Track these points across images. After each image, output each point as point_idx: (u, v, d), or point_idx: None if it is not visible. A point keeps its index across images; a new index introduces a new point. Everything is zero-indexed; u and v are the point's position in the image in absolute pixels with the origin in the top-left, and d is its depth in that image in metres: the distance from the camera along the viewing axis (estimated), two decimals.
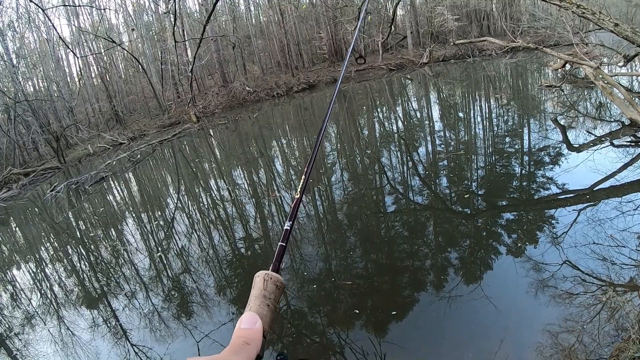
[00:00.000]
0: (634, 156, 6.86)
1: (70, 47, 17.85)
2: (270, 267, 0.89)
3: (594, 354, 3.22)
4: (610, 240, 4.62)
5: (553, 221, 5.46)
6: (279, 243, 0.96)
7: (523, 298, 4.06)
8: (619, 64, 11.17)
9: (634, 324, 3.18)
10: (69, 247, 9.23)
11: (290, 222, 1.01)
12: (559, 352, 3.31)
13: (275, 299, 0.84)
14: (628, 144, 7.39)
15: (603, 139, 8.02)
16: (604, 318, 3.55)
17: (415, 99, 18.19)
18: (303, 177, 1.15)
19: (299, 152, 12.79)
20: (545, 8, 23.82)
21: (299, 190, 1.11)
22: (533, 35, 21.44)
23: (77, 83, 29.95)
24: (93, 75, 30.94)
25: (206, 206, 9.70)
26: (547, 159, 7.67)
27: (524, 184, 6.99)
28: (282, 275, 0.97)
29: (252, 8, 34.87)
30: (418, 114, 14.65)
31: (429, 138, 11.04)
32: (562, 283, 4.11)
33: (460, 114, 12.89)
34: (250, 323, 0.77)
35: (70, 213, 11.60)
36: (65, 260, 8.51)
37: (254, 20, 34.55)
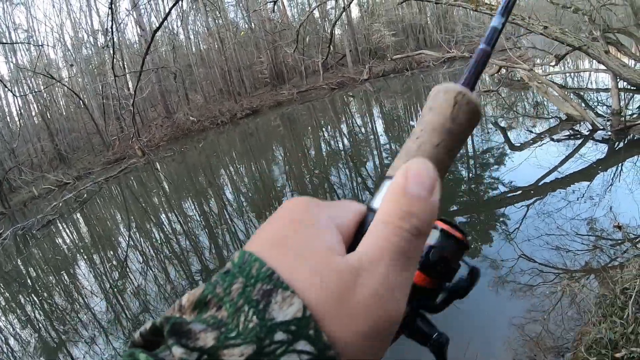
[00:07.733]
0: (573, 148, 7.22)
1: (8, 86, 17.00)
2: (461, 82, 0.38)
3: (561, 339, 3.27)
4: (561, 229, 4.78)
5: (504, 219, 5.61)
6: None
7: (485, 296, 4.10)
8: (551, 64, 11.79)
9: (591, 307, 3.26)
10: (20, 296, 8.59)
11: None
12: (527, 342, 3.34)
13: (461, 142, 0.38)
14: (567, 137, 7.77)
15: (543, 135, 8.39)
16: (565, 304, 3.62)
17: (358, 115, 18.48)
18: None
19: (248, 179, 12.58)
20: (477, 17, 25.03)
21: None
22: (468, 44, 22.36)
23: (17, 123, 28.43)
24: (33, 114, 29.47)
25: (159, 241, 9.31)
26: (491, 160, 7.93)
27: (473, 186, 7.17)
28: None
29: (191, 37, 34.34)
30: (363, 130, 14.85)
31: (375, 152, 11.18)
32: (520, 277, 4.19)
33: (405, 126, 13.20)
34: (423, 186, 0.32)
35: (19, 260, 10.82)
36: (18, 310, 7.90)
37: (194, 49, 34.06)
